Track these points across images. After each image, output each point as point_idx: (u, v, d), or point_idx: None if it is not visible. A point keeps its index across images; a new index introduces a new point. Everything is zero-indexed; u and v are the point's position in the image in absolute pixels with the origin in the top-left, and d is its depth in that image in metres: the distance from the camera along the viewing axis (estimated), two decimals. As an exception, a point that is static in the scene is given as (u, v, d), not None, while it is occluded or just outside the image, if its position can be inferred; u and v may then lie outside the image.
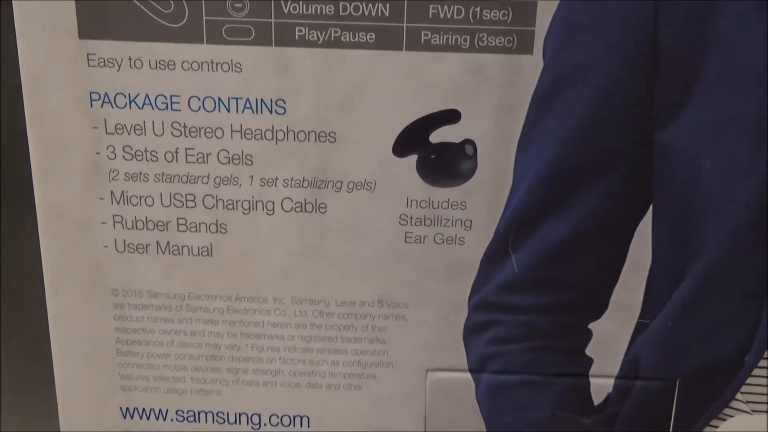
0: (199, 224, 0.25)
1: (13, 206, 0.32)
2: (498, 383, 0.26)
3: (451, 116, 0.24)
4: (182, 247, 0.26)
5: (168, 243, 0.25)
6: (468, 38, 0.23)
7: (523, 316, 0.26)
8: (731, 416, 0.26)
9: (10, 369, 0.34)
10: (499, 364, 0.26)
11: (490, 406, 0.27)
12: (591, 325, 0.26)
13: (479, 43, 0.23)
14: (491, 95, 0.24)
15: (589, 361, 0.26)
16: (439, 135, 0.24)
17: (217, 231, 0.25)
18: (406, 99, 0.24)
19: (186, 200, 0.25)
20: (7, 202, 0.32)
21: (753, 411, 0.26)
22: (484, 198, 0.25)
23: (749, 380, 0.26)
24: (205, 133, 0.24)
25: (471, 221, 0.25)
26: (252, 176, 0.25)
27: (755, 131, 0.24)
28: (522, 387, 0.26)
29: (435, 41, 0.23)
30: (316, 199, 0.25)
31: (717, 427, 0.26)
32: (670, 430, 0.27)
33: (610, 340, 0.26)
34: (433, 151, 0.24)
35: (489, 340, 0.26)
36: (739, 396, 0.26)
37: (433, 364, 0.27)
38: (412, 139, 0.24)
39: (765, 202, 0.24)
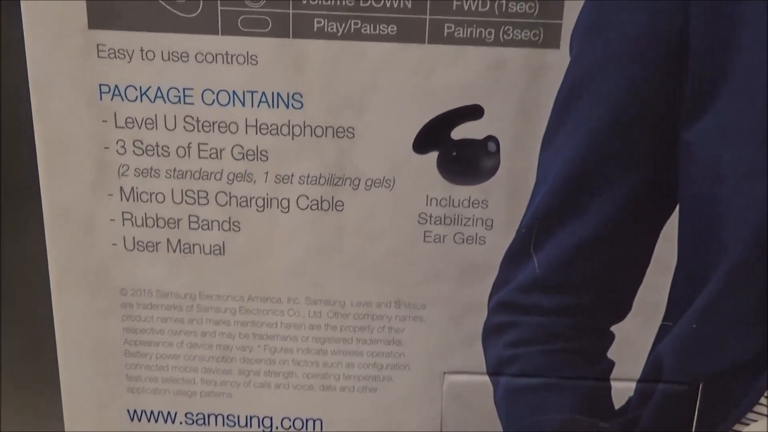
0: (212, 222, 0.25)
1: (15, 204, 0.32)
2: (517, 386, 0.26)
3: (473, 112, 0.23)
4: (193, 245, 0.25)
5: (179, 241, 0.25)
6: (493, 32, 0.23)
7: (543, 317, 0.25)
8: (755, 420, 0.26)
9: (11, 369, 0.34)
10: (518, 366, 0.26)
11: (509, 409, 0.26)
12: (613, 328, 0.25)
13: (504, 36, 0.23)
14: (516, 91, 0.23)
15: (611, 364, 0.26)
16: (461, 131, 0.24)
17: (230, 229, 0.25)
18: (428, 94, 0.23)
19: (198, 197, 0.24)
20: (8, 200, 0.32)
21: (777, 415, 0.26)
22: (506, 196, 0.24)
23: (773, 384, 0.26)
24: (218, 127, 0.24)
25: (492, 220, 0.24)
26: (267, 173, 0.24)
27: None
28: (541, 390, 0.26)
29: (458, 34, 0.23)
30: (332, 197, 0.24)
31: (740, 431, 0.26)
32: (693, 434, 0.26)
33: (632, 342, 0.25)
34: (455, 147, 0.24)
35: (508, 342, 0.26)
36: (762, 400, 0.26)
37: (450, 366, 0.26)
38: (434, 136, 0.24)
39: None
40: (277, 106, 0.23)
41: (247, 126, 0.24)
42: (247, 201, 0.24)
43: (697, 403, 0.26)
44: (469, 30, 0.23)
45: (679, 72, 0.23)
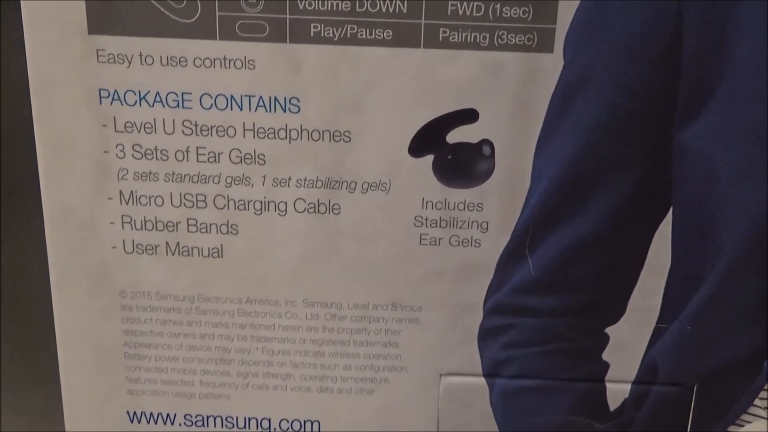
0: (210, 225, 0.25)
1: (15, 205, 0.32)
2: (512, 388, 0.26)
3: (468, 116, 0.24)
4: (192, 248, 0.25)
5: (177, 244, 0.25)
6: (487, 36, 0.23)
7: (538, 319, 0.25)
8: (749, 422, 0.26)
9: (11, 369, 0.34)
10: (513, 368, 0.26)
11: (504, 410, 0.26)
12: (608, 329, 0.25)
13: (499, 41, 0.23)
14: (510, 94, 0.23)
15: (606, 366, 0.26)
16: (457, 135, 0.24)
17: (228, 232, 0.25)
18: (423, 98, 0.23)
19: (196, 200, 0.25)
20: (9, 201, 0.32)
21: (771, 417, 0.26)
22: (501, 199, 0.24)
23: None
24: (216, 131, 0.24)
25: (487, 223, 0.25)
26: (264, 176, 0.24)
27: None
28: (537, 392, 0.26)
29: (453, 39, 0.23)
30: (329, 200, 0.24)
31: (735, 432, 0.26)
32: (688, 436, 0.26)
33: (627, 344, 0.25)
34: (450, 151, 0.24)
35: (504, 344, 0.26)
36: (757, 401, 0.26)
37: (446, 368, 0.26)
38: (429, 139, 0.24)
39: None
40: (275, 110, 0.24)
41: (244, 130, 0.24)
42: (244, 204, 0.25)
43: (692, 404, 0.26)
44: (464, 34, 0.23)
45: (673, 73, 0.23)
